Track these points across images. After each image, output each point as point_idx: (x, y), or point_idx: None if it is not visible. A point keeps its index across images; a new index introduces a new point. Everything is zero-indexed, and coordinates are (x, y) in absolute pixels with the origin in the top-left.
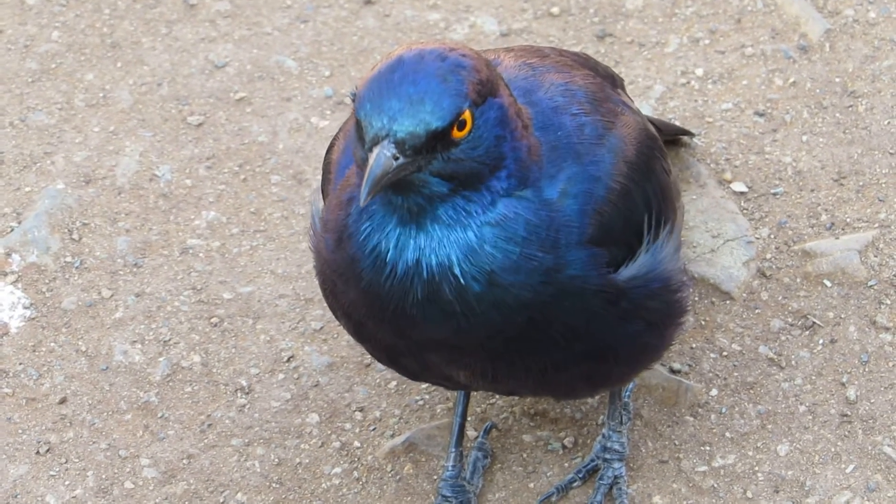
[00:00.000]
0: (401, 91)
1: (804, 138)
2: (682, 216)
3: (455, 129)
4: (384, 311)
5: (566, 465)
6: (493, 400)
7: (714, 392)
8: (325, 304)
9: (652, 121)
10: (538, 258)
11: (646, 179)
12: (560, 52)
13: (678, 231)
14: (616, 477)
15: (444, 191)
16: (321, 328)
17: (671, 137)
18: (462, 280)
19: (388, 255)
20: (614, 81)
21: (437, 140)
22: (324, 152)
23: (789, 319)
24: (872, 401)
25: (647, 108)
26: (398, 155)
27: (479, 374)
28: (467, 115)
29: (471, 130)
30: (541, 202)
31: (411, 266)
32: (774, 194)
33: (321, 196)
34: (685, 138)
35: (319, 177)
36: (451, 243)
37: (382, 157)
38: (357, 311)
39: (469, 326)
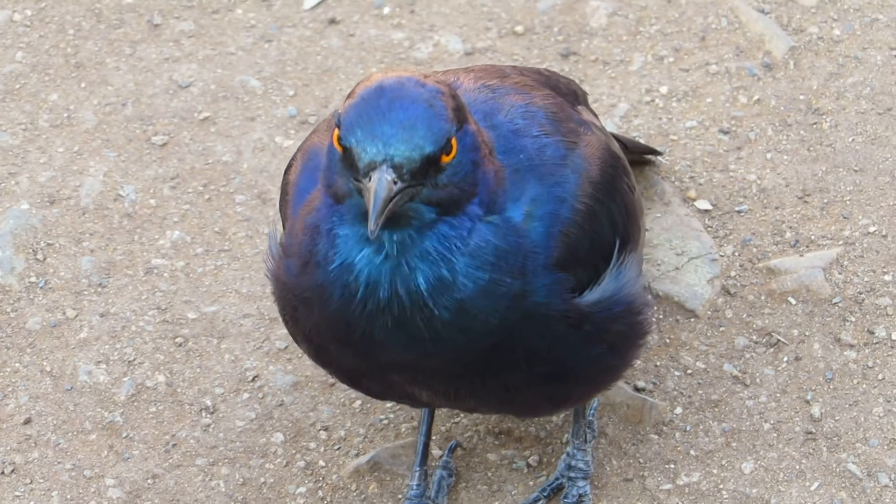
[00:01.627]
0: (392, 117)
1: (769, 156)
2: (644, 235)
3: (445, 152)
4: (350, 336)
5: (531, 483)
6: (458, 419)
7: (678, 410)
8: None
9: (619, 139)
10: (506, 284)
11: (611, 199)
12: (521, 71)
13: (641, 250)
14: (581, 495)
15: (432, 217)
16: (285, 347)
17: (638, 157)
18: (434, 310)
19: (361, 284)
20: (577, 97)
21: (430, 165)
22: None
23: (754, 337)
24: (837, 418)
25: (611, 125)
26: (396, 180)
27: (441, 394)
28: (454, 140)
29: (455, 156)
30: (508, 227)
31: (384, 297)
32: (739, 212)
33: (281, 218)
34: (653, 157)
35: None
36: (427, 275)
37: (384, 181)
38: (319, 335)
39: (435, 350)
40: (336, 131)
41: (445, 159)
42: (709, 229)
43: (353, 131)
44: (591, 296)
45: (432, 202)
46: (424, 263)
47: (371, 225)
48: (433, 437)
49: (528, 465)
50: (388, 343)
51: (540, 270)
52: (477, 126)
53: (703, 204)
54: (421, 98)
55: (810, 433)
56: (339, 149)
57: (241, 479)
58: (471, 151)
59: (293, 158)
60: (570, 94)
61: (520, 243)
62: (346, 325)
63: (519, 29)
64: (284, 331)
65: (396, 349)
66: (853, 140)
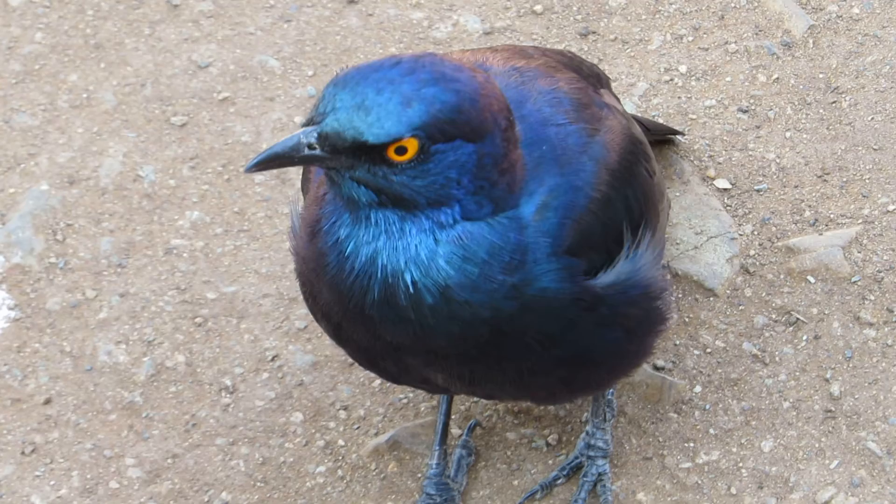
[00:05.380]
0: (360, 89)
1: (788, 135)
2: (667, 218)
3: (391, 151)
4: (351, 311)
5: (550, 462)
6: (478, 398)
7: (698, 389)
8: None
9: (641, 121)
10: (498, 280)
11: (627, 185)
12: (544, 52)
13: (661, 234)
14: (600, 474)
15: (370, 199)
16: (305, 327)
17: (661, 137)
18: (413, 289)
19: (348, 249)
20: (599, 80)
21: (364, 152)
22: None
23: (773, 316)
24: (856, 396)
25: (630, 105)
26: (315, 145)
27: (456, 377)
28: (411, 144)
29: (414, 161)
30: (512, 224)
31: (366, 264)
32: (758, 191)
33: (302, 196)
34: (676, 138)
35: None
36: (401, 251)
37: (296, 140)
38: (334, 312)
39: (425, 335)
40: None
41: (396, 157)
42: (728, 208)
43: (331, 82)
44: (606, 278)
45: (369, 185)
46: (385, 236)
47: (247, 165)
48: (452, 417)
49: (548, 444)
50: (378, 321)
51: (544, 259)
52: (508, 133)
53: (722, 183)
54: (406, 92)
55: (830, 411)
56: None
57: (261, 459)
58: (451, 169)
59: None
60: (593, 77)
61: (520, 239)
62: (343, 298)
63: (538, 8)
64: (304, 310)
65: (388, 328)
66: (872, 118)
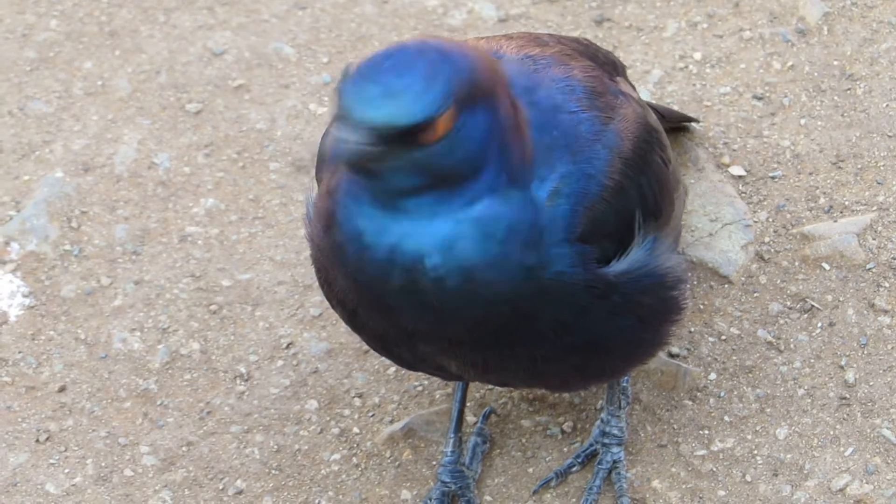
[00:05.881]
0: (383, 79)
1: (802, 122)
2: (682, 206)
3: (425, 133)
4: (368, 299)
5: (565, 449)
6: (492, 386)
7: (713, 376)
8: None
9: (656, 108)
10: (518, 257)
11: (641, 173)
12: (559, 40)
13: (677, 223)
14: (615, 461)
15: (413, 184)
16: (320, 315)
17: (676, 125)
18: (436, 272)
19: (369, 238)
20: (615, 68)
21: (401, 137)
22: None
23: (788, 303)
24: (871, 384)
25: (645, 93)
26: (356, 139)
27: (469, 365)
28: (444, 120)
29: (446, 136)
30: (526, 202)
31: (387, 251)
32: (773, 178)
33: (316, 184)
34: (691, 125)
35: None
36: (426, 235)
37: (342, 138)
38: (349, 299)
39: (447, 319)
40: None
41: (429, 138)
42: (742, 195)
43: (346, 79)
44: (619, 266)
45: (411, 171)
46: (415, 221)
47: (339, 164)
48: (467, 404)
49: (563, 432)
50: (399, 308)
51: (558, 244)
52: (510, 101)
53: (736, 170)
54: (425, 71)
55: (844, 399)
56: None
57: (276, 446)
58: (481, 132)
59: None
60: (608, 65)
61: (536, 217)
62: (362, 286)
63: None
64: (319, 298)
65: (409, 315)
66: (887, 105)
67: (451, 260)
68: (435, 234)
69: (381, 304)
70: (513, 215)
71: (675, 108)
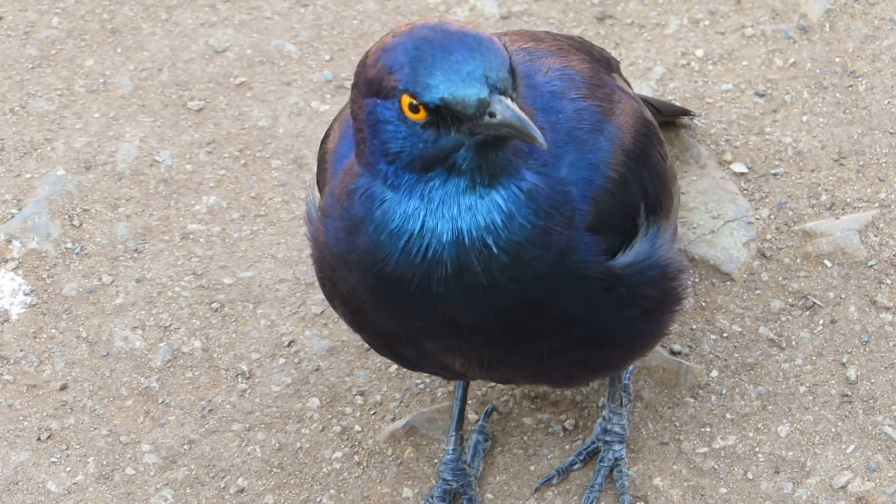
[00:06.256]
0: (464, 45)
1: (804, 118)
2: (679, 201)
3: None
4: (401, 294)
5: (567, 447)
6: (494, 383)
7: (714, 373)
8: None
9: (650, 102)
10: (557, 233)
11: (642, 167)
12: (554, 37)
13: (675, 216)
14: (616, 459)
15: (494, 157)
16: (322, 312)
17: (670, 118)
18: (494, 249)
19: (415, 232)
20: (609, 65)
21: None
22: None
23: (790, 300)
24: (873, 381)
25: (647, 89)
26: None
27: (475, 362)
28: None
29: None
30: (556, 179)
31: (445, 241)
32: (774, 175)
33: (317, 184)
34: (685, 118)
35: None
36: (478, 216)
37: (508, 103)
38: (357, 298)
39: (487, 300)
40: (404, 97)
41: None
42: (744, 192)
43: (420, 70)
44: (625, 258)
45: (493, 145)
46: (477, 213)
47: (540, 139)
48: (469, 402)
49: (564, 429)
50: (442, 296)
51: (581, 229)
52: None
53: (738, 167)
54: (475, 33)
55: (846, 396)
56: (416, 116)
57: (278, 445)
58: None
59: (330, 128)
60: (603, 61)
61: (567, 194)
62: (399, 284)
63: None
64: (320, 296)
65: (450, 302)
66: (889, 102)
67: (508, 234)
68: (490, 213)
69: (418, 296)
70: (550, 190)
71: (678, 104)
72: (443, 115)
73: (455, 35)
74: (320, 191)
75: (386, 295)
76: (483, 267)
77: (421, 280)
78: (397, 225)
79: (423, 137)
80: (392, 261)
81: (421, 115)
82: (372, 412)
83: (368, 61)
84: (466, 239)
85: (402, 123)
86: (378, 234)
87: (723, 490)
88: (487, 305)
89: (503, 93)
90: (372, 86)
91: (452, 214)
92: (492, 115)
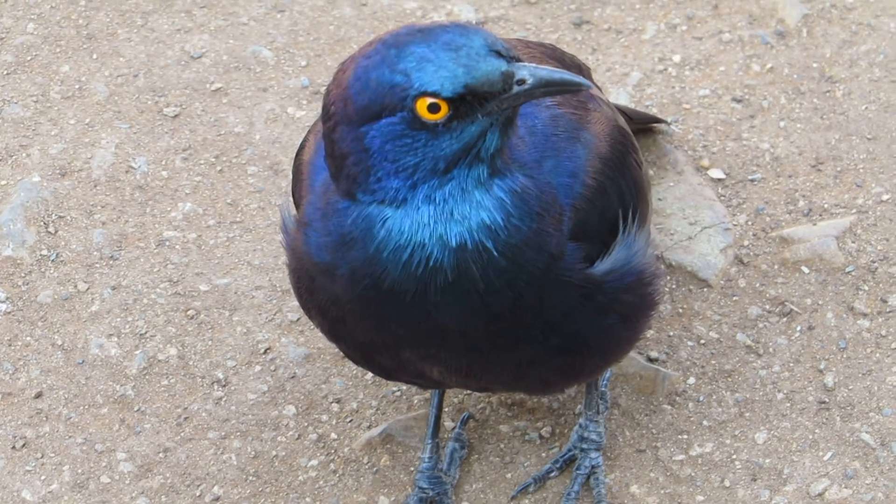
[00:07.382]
0: (452, 32)
1: (782, 124)
2: (652, 208)
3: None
4: (396, 303)
5: (543, 455)
6: (471, 391)
7: (692, 380)
8: None
9: (624, 110)
10: (549, 235)
11: (620, 175)
12: (526, 44)
13: (649, 222)
14: (593, 466)
15: (494, 143)
16: (298, 319)
17: (643, 126)
18: (494, 252)
19: (429, 242)
20: (581, 72)
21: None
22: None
23: (767, 306)
24: (850, 387)
25: (624, 95)
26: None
27: (453, 370)
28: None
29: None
30: (543, 182)
31: (450, 248)
32: (752, 181)
33: (293, 196)
34: (660, 126)
35: None
36: (480, 217)
37: (528, 65)
38: (338, 308)
39: (480, 307)
40: (420, 101)
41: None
42: (722, 198)
43: (452, 77)
44: (603, 266)
45: (511, 124)
46: (482, 210)
47: (585, 83)
48: (445, 410)
49: (541, 437)
50: (438, 304)
51: (566, 234)
52: None
53: (716, 173)
54: (439, 21)
55: (824, 403)
56: (435, 116)
57: (253, 452)
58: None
59: (305, 139)
60: (574, 68)
61: (555, 196)
62: (392, 295)
63: None
64: (296, 303)
65: (444, 310)
66: (866, 108)
67: (506, 235)
68: (489, 213)
69: (412, 305)
70: (538, 191)
71: (654, 111)
72: (468, 102)
73: (434, 28)
74: (296, 202)
75: (374, 305)
76: (481, 272)
77: (417, 289)
78: (406, 239)
79: (446, 136)
80: (391, 274)
81: (442, 113)
82: (348, 420)
83: (347, 93)
84: (469, 242)
85: (417, 132)
86: (380, 252)
87: (700, 498)
88: (479, 312)
89: (518, 59)
90: (368, 111)
91: (463, 213)
92: (520, 82)
